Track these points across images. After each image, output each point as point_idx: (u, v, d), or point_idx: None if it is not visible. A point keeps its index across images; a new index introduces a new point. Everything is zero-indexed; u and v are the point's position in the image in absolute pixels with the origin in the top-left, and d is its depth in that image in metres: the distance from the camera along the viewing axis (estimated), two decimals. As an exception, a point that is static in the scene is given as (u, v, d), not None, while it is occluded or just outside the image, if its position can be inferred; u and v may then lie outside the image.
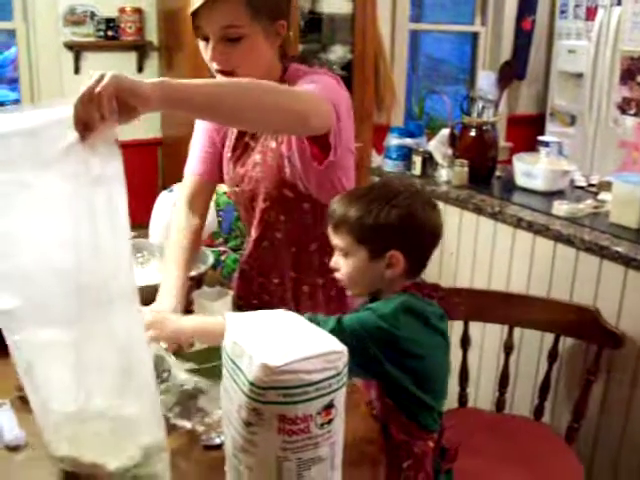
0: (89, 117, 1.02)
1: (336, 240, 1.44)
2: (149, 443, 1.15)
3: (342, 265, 1.44)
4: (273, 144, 1.68)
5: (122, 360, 1.10)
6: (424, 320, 1.36)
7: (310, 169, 1.64)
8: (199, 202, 1.81)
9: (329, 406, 1.01)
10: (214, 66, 1.58)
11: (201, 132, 1.83)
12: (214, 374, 1.29)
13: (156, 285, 1.83)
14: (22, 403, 1.38)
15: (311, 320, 1.18)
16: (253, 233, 1.81)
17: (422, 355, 1.36)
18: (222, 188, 2.45)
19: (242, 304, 1.87)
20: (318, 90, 1.51)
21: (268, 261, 1.82)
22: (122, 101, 1.05)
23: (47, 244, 1.05)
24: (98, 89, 1.02)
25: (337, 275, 1.47)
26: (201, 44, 1.58)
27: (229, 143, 1.78)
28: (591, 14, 4.44)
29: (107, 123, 1.04)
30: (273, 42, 1.61)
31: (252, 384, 0.98)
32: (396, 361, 1.33)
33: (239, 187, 1.78)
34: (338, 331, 1.26)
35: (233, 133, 1.76)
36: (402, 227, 1.38)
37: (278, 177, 1.67)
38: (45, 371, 1.12)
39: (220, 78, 1.55)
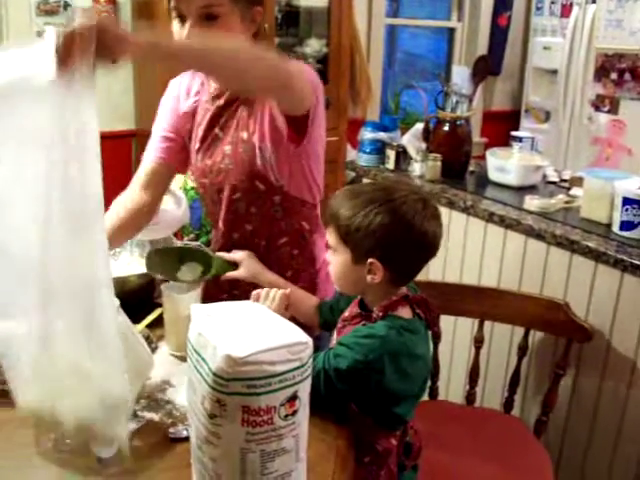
0: (69, 53, 1.06)
1: (327, 234, 1.44)
2: (110, 400, 1.16)
3: (331, 260, 1.44)
4: (245, 135, 1.67)
5: (85, 299, 1.11)
6: (407, 355, 1.34)
7: (282, 157, 1.64)
8: (153, 183, 1.79)
9: (293, 398, 1.00)
10: None
11: (164, 118, 1.81)
12: None
13: (125, 277, 1.83)
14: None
15: None
16: (221, 226, 1.79)
17: (403, 385, 1.35)
18: (190, 183, 2.43)
19: (212, 299, 1.86)
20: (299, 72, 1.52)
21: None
22: (103, 43, 1.09)
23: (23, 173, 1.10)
24: (80, 29, 1.06)
25: (329, 268, 1.47)
26: (175, 25, 1.57)
27: (196, 134, 1.77)
28: (566, 11, 4.48)
29: (85, 60, 1.07)
30: (248, 28, 1.61)
31: (216, 375, 0.97)
32: (374, 393, 1.34)
33: (207, 178, 1.76)
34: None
35: (201, 125, 1.75)
36: (384, 236, 1.33)
37: (249, 169, 1.66)
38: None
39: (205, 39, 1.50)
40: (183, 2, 1.53)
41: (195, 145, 1.77)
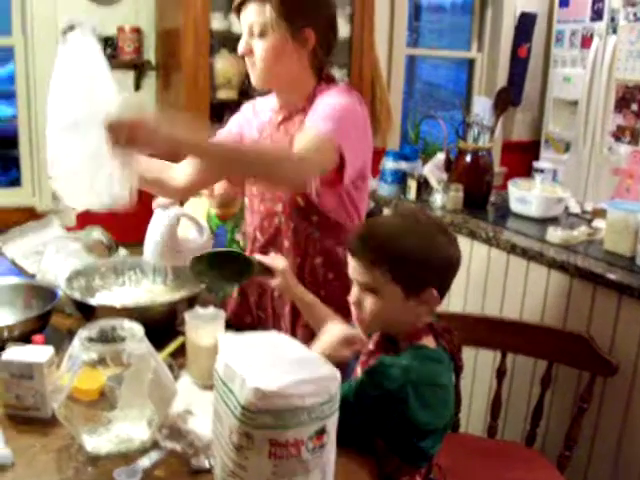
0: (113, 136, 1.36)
1: (365, 276, 1.37)
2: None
3: (368, 303, 1.38)
4: None
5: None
6: (431, 385, 1.33)
7: (324, 182, 1.70)
8: (188, 165, 1.92)
9: (321, 431, 1.00)
10: (246, 59, 1.75)
11: (237, 125, 1.95)
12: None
13: (148, 305, 1.84)
14: (9, 421, 1.38)
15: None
16: (259, 236, 1.85)
17: (427, 416, 1.33)
18: (213, 212, 2.46)
19: (236, 322, 1.87)
20: (327, 128, 1.60)
21: None
22: (135, 139, 1.36)
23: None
24: (122, 122, 1.35)
25: (354, 311, 1.42)
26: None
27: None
28: (586, 42, 4.49)
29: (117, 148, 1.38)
30: (298, 49, 1.71)
31: (244, 408, 0.97)
32: (398, 425, 1.32)
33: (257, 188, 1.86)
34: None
35: (267, 138, 1.84)
36: (443, 265, 1.36)
37: None
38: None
39: (226, 142, 1.67)
40: (240, 17, 1.74)
41: None
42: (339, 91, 1.74)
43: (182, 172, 1.94)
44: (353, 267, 1.40)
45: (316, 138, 1.59)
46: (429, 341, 1.39)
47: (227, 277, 1.70)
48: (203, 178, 1.96)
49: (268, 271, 1.67)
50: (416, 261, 1.33)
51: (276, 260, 1.66)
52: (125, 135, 1.34)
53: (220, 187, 2.38)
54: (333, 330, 1.49)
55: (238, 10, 1.74)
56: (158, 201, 2.34)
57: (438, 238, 1.37)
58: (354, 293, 1.41)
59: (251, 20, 1.70)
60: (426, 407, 1.31)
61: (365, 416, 1.31)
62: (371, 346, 1.47)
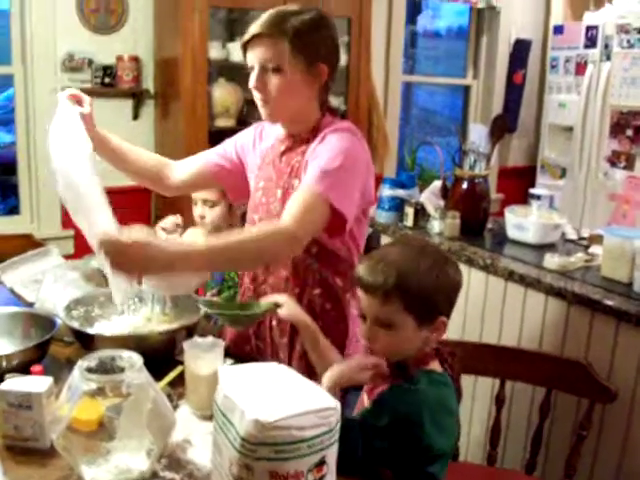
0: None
1: (380, 312, 1.38)
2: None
3: (382, 337, 1.39)
4: (296, 183, 1.74)
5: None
6: (444, 409, 1.36)
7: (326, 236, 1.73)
8: (183, 168, 2.02)
9: (321, 463, 1.00)
10: (255, 94, 1.74)
11: (233, 145, 1.99)
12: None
13: (146, 334, 1.83)
14: (7, 452, 1.37)
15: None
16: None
17: (440, 439, 1.34)
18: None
19: (235, 351, 1.86)
20: (319, 189, 1.62)
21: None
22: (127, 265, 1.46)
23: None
24: (117, 247, 1.43)
25: (364, 344, 1.43)
26: (251, 74, 1.73)
27: (260, 173, 1.87)
28: (581, 69, 4.54)
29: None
30: (311, 83, 1.72)
31: (244, 439, 0.97)
32: (413, 450, 1.32)
33: (257, 214, 1.86)
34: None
35: (269, 164, 1.85)
36: (452, 293, 1.41)
37: None
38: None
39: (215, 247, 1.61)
40: (251, 53, 1.70)
41: (259, 183, 1.87)
42: (340, 134, 1.72)
43: (177, 172, 2.01)
44: (367, 303, 1.40)
45: (308, 201, 1.61)
46: (435, 365, 1.42)
47: (239, 319, 1.74)
48: (196, 182, 2.04)
49: (274, 305, 1.68)
50: (429, 293, 1.36)
51: (276, 297, 1.68)
52: (120, 261, 1.43)
53: (217, 216, 2.39)
54: (354, 357, 1.53)
55: (248, 43, 1.71)
56: (161, 224, 2.39)
57: (446, 268, 1.40)
58: (366, 327, 1.41)
59: (264, 55, 1.68)
60: (440, 431, 1.33)
61: (380, 442, 1.30)
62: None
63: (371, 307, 1.39)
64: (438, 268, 1.38)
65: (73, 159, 1.71)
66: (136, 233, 1.45)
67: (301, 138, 1.79)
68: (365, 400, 1.47)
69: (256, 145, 1.93)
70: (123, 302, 1.84)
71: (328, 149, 1.68)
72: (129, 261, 1.44)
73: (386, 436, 1.30)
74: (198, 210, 2.42)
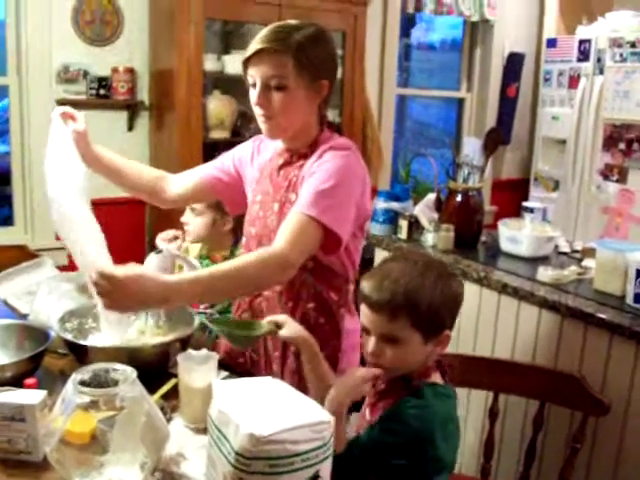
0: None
1: (387, 329, 1.38)
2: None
3: (388, 352, 1.39)
4: (293, 197, 1.74)
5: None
6: (451, 420, 1.38)
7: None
8: (180, 181, 2.01)
9: (315, 477, 1.00)
10: (257, 110, 1.72)
11: (231, 158, 1.98)
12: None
13: (140, 347, 1.83)
14: (0, 465, 1.36)
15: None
16: None
17: (448, 451, 1.36)
18: (204, 252, 2.49)
19: (229, 362, 1.86)
20: (311, 212, 1.61)
21: (262, 314, 1.80)
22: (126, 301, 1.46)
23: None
24: (111, 282, 1.40)
25: (371, 361, 1.42)
26: (251, 90, 1.71)
27: (258, 187, 1.87)
28: (574, 82, 4.57)
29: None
30: (313, 99, 1.72)
31: (238, 453, 0.97)
32: (423, 464, 1.33)
33: (254, 227, 1.85)
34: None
35: (267, 178, 1.84)
36: (455, 306, 1.42)
37: None
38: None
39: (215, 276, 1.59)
40: (254, 70, 1.68)
41: (257, 197, 1.86)
42: (336, 152, 1.71)
43: (174, 185, 2.01)
44: (373, 321, 1.40)
45: (301, 224, 1.61)
46: (437, 377, 1.44)
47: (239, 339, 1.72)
48: (194, 195, 2.04)
49: (275, 326, 1.66)
50: (435, 308, 1.36)
51: (276, 317, 1.64)
52: (115, 298, 1.43)
53: (199, 226, 2.42)
54: (351, 371, 1.50)
55: (249, 60, 1.68)
56: (161, 235, 2.40)
57: (450, 282, 1.41)
58: (372, 344, 1.40)
59: (269, 71, 1.65)
60: (448, 444, 1.35)
61: (395, 460, 1.30)
62: (382, 386, 1.47)
63: (377, 323, 1.39)
64: (442, 283, 1.39)
65: (67, 189, 1.72)
66: (130, 269, 1.44)
67: (299, 153, 1.78)
68: (367, 415, 1.47)
69: (254, 158, 1.93)
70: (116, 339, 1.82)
71: (323, 168, 1.67)
72: (124, 297, 1.43)
73: (403, 452, 1.30)
74: (185, 216, 2.48)
